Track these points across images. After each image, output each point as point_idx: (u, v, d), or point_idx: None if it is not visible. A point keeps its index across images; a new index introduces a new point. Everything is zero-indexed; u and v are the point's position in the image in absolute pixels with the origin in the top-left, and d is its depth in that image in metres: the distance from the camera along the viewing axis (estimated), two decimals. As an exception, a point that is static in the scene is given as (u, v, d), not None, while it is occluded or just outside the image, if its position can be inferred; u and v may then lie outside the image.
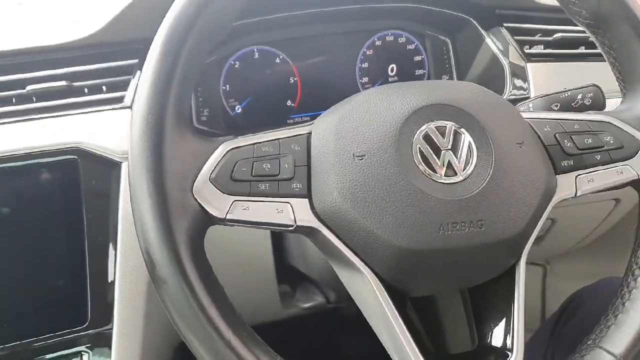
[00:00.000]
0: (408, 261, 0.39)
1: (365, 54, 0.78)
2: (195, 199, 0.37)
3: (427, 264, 0.40)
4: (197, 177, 0.38)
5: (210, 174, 0.38)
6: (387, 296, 0.40)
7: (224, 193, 0.38)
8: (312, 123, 0.44)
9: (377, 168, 0.39)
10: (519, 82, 0.74)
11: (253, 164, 0.39)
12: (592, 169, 0.45)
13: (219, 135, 0.54)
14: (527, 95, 0.73)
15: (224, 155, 0.39)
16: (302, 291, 0.73)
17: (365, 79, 0.79)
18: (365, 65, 0.78)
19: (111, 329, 0.56)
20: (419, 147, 0.41)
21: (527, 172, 0.42)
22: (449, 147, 0.41)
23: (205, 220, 0.38)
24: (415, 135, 0.41)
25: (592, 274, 0.99)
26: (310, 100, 0.75)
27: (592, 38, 0.50)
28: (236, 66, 0.72)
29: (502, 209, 0.40)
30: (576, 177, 0.45)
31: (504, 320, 0.43)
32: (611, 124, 0.47)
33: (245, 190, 0.39)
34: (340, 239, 0.40)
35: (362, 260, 0.40)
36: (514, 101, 0.62)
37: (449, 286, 0.44)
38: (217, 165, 0.38)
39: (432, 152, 0.41)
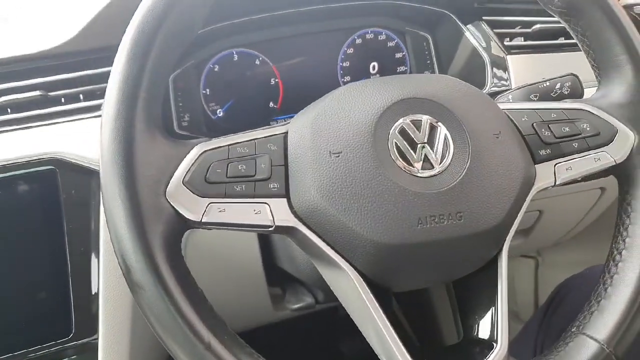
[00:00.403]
0: (388, 256, 0.39)
1: (346, 52, 0.78)
2: (169, 202, 0.37)
3: (407, 259, 0.39)
4: (170, 180, 0.37)
5: (184, 177, 0.38)
6: (370, 293, 0.39)
7: (198, 196, 0.38)
8: (289, 122, 0.44)
9: (354, 165, 0.39)
10: (499, 74, 0.74)
11: (228, 165, 0.39)
12: (570, 157, 0.45)
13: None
14: (508, 87, 0.73)
15: (198, 157, 0.39)
16: (292, 292, 0.73)
17: (348, 78, 0.78)
18: (347, 64, 0.78)
19: (97, 339, 0.56)
20: (395, 142, 0.40)
21: (505, 162, 0.42)
22: (425, 140, 0.41)
23: (181, 224, 0.38)
24: (391, 130, 0.41)
25: (583, 263, 1.00)
26: (293, 101, 0.75)
27: (566, 26, 0.50)
28: (216, 70, 0.72)
29: (480, 201, 0.40)
30: (555, 165, 0.45)
31: (488, 312, 0.43)
32: (587, 111, 0.47)
33: (220, 192, 0.38)
34: (320, 237, 0.40)
35: (343, 257, 0.40)
36: (495, 93, 0.62)
37: (431, 280, 0.43)
38: (190, 167, 0.38)
39: (408, 147, 0.40)
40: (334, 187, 0.39)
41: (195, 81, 0.71)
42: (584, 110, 0.47)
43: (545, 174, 0.45)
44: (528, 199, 0.44)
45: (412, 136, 0.41)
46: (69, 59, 0.61)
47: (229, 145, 0.40)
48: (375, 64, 0.79)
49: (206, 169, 0.38)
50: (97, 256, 0.56)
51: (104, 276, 0.55)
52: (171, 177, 0.37)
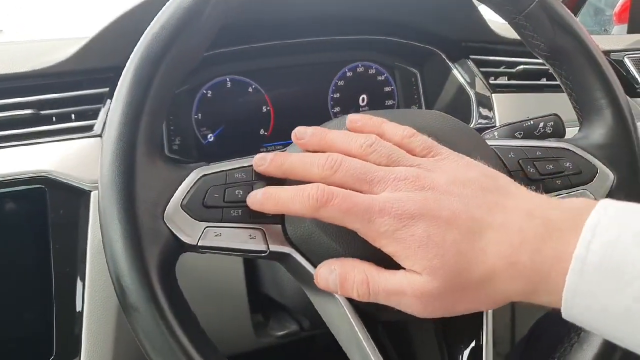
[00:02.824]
0: None
1: (337, 84, 0.80)
2: (167, 225, 0.37)
3: None
4: (168, 203, 0.38)
5: (182, 200, 0.38)
6: (360, 321, 0.40)
7: (195, 219, 0.38)
8: (285, 150, 0.45)
9: None
10: (484, 112, 0.77)
11: (225, 190, 0.39)
12: (554, 194, 0.47)
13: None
14: (492, 124, 0.75)
15: (196, 181, 0.39)
16: (276, 320, 0.72)
17: (337, 109, 0.80)
18: (337, 95, 0.80)
19: (79, 361, 0.54)
20: None
21: None
22: None
23: (177, 246, 0.38)
24: None
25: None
26: (284, 129, 0.77)
27: (551, 69, 0.52)
28: (208, 95, 0.73)
29: None
30: None
31: (472, 344, 0.44)
32: (570, 150, 0.49)
33: (217, 217, 0.39)
34: (313, 264, 0.40)
35: None
36: (480, 130, 0.64)
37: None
38: (188, 191, 0.39)
39: None
40: None
41: (187, 106, 0.72)
42: (567, 149, 0.49)
43: None
44: None
45: None
46: (63, 78, 0.62)
47: (227, 170, 0.40)
48: (365, 96, 0.81)
49: (204, 193, 0.39)
50: (83, 278, 0.55)
51: (89, 297, 0.55)
52: (169, 200, 0.38)
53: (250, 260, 0.66)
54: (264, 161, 0.40)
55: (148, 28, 0.40)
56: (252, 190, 0.40)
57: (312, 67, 0.78)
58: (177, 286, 0.38)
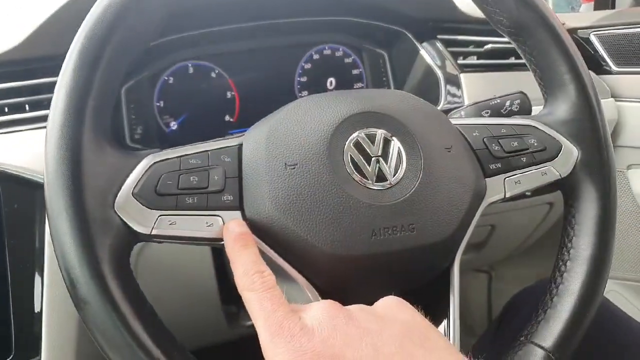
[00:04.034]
0: (343, 268, 0.39)
1: (304, 67, 0.78)
2: (118, 214, 0.36)
3: (362, 270, 0.39)
4: (119, 192, 0.36)
5: (134, 188, 0.36)
6: None
7: (148, 208, 0.36)
8: (243, 134, 0.44)
9: (310, 176, 0.39)
10: (453, 92, 0.76)
11: (179, 176, 0.38)
12: (518, 171, 0.46)
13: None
14: (461, 104, 0.75)
15: (148, 168, 0.37)
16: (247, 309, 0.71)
17: (305, 93, 0.79)
18: (304, 78, 0.78)
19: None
20: (350, 155, 0.40)
21: (456, 176, 0.42)
22: (380, 154, 0.41)
23: (130, 236, 0.36)
24: (346, 143, 0.41)
25: (534, 276, 1.02)
26: (250, 114, 0.75)
27: (515, 46, 0.51)
28: (170, 82, 0.71)
29: (432, 213, 0.40)
30: (504, 179, 0.46)
31: (441, 325, 0.43)
32: (534, 127, 0.48)
33: (171, 205, 0.37)
34: (275, 249, 0.39)
35: (297, 270, 0.39)
36: (449, 110, 0.64)
37: (386, 291, 0.43)
38: (140, 179, 0.37)
39: (363, 159, 0.41)
40: (289, 199, 0.38)
41: (149, 93, 0.70)
42: (531, 126, 0.48)
43: (496, 188, 0.46)
44: (479, 212, 0.45)
45: (367, 149, 0.41)
46: (14, 67, 0.59)
47: (180, 156, 0.39)
48: (333, 79, 0.80)
49: (157, 180, 0.37)
50: (41, 274, 0.53)
51: (48, 295, 0.53)
52: (120, 189, 0.36)
53: (219, 250, 0.65)
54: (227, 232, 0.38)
55: (92, 9, 0.38)
56: (209, 176, 0.38)
57: (277, 50, 0.77)
58: (132, 278, 0.36)
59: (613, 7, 1.16)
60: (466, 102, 0.74)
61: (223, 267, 0.68)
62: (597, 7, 1.17)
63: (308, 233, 0.38)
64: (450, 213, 0.41)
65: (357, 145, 0.41)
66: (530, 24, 0.48)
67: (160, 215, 0.37)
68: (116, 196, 0.36)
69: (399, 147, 0.42)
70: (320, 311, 0.33)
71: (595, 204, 0.47)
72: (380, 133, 0.42)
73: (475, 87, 0.76)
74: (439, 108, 0.73)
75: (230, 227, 0.38)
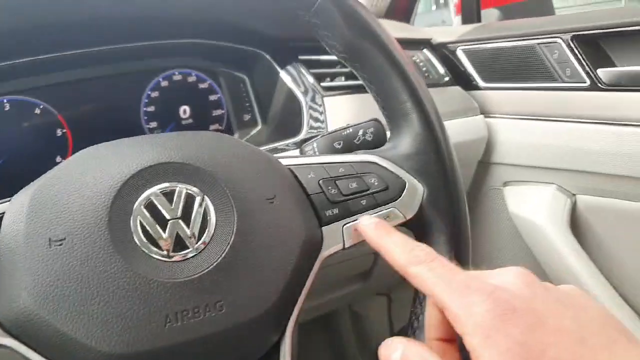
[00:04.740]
0: None
1: (150, 96, 0.69)
2: None
3: None
4: None
5: None
6: None
7: None
8: (10, 200, 0.34)
9: (81, 253, 0.31)
10: (316, 117, 0.71)
11: None
12: (358, 216, 0.40)
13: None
14: (324, 131, 0.69)
15: None
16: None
17: (154, 124, 0.70)
18: (151, 108, 0.69)
19: None
20: (140, 220, 0.33)
21: (279, 232, 0.36)
22: (179, 215, 0.33)
23: None
24: (135, 206, 0.33)
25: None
26: (88, 153, 0.65)
27: (355, 73, 0.46)
28: (-21, 122, 0.59)
29: (246, 283, 0.33)
30: (343, 226, 0.40)
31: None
32: (376, 164, 0.43)
33: None
34: (40, 353, 0.30)
35: None
36: (309, 139, 0.58)
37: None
38: None
39: (156, 225, 0.33)
40: (51, 287, 0.30)
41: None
42: (373, 163, 0.43)
43: (333, 237, 0.40)
44: (315, 267, 0.38)
45: (162, 211, 0.33)
46: None
47: None
48: (187, 107, 0.72)
49: None
50: None
51: None
52: None
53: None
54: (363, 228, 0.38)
55: None
56: None
57: (116, 78, 0.67)
58: None
59: (479, 20, 1.17)
60: (329, 128, 0.69)
61: None
62: (464, 21, 1.18)
63: (77, 330, 0.29)
64: (272, 278, 0.35)
65: (150, 206, 0.33)
66: (366, 49, 0.43)
67: None
68: None
69: (206, 205, 0.34)
70: (513, 276, 0.29)
71: (448, 245, 0.43)
72: (180, 189, 0.34)
73: (338, 111, 0.71)
74: (299, 137, 0.68)
75: (363, 222, 0.38)
